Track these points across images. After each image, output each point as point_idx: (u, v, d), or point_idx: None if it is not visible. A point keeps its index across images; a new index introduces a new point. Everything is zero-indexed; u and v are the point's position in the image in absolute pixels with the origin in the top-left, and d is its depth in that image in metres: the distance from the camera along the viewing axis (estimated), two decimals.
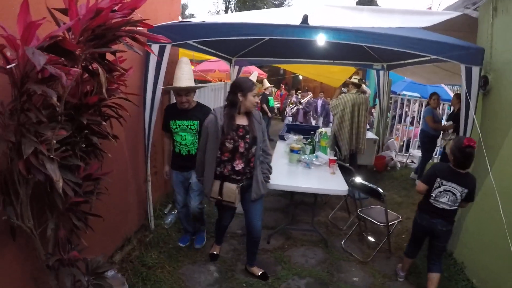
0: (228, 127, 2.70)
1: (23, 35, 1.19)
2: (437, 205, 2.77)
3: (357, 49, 5.01)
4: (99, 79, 1.47)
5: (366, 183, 3.51)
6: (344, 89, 5.44)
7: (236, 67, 6.44)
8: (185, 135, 3.20)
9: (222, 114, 2.74)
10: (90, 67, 1.63)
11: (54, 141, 1.49)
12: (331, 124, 7.54)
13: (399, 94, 11.04)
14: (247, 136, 2.78)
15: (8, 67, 1.32)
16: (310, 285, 3.05)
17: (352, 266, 3.41)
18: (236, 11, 22.01)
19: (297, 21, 3.24)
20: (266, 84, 9.39)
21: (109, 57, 1.79)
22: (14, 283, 1.99)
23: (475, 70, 3.22)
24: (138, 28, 1.71)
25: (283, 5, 25.15)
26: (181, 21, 3.22)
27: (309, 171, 3.88)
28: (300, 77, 17.63)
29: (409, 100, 8.47)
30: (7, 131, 1.35)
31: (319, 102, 10.33)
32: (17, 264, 2.01)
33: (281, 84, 16.27)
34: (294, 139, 4.65)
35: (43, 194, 1.83)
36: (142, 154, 3.47)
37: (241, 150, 2.76)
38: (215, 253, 3.42)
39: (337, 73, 8.55)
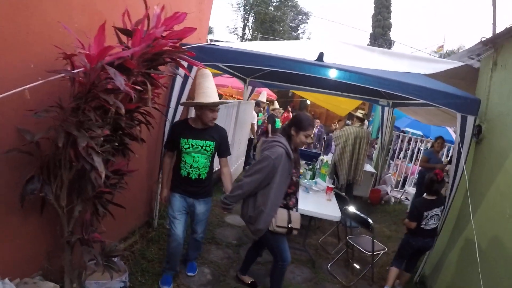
0: (297, 162, 2.91)
1: (99, 53, 1.50)
2: (428, 228, 3.42)
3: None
4: (147, 92, 1.78)
5: (358, 213, 3.78)
6: (348, 122, 5.76)
7: (250, 87, 6.79)
8: (198, 157, 2.92)
9: (289, 148, 2.75)
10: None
11: (102, 139, 1.79)
12: (330, 154, 7.79)
13: (402, 130, 11.38)
14: (298, 169, 3.01)
15: (75, 71, 1.63)
16: None
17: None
18: (253, 29, 22.64)
19: (313, 57, 3.58)
20: (276, 105, 9.70)
21: None
22: (29, 253, 2.24)
23: (470, 119, 3.46)
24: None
25: (299, 28, 25.85)
26: (210, 44, 3.56)
27: (307, 195, 4.18)
28: (308, 102, 18.02)
29: (410, 138, 8.77)
30: (68, 124, 1.65)
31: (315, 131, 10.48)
32: (37, 236, 2.28)
33: (288, 107, 16.67)
34: None
35: (75, 180, 2.12)
36: (158, 158, 3.72)
37: (298, 181, 3.03)
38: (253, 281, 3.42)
39: (344, 103, 8.86)
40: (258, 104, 8.47)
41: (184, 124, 2.97)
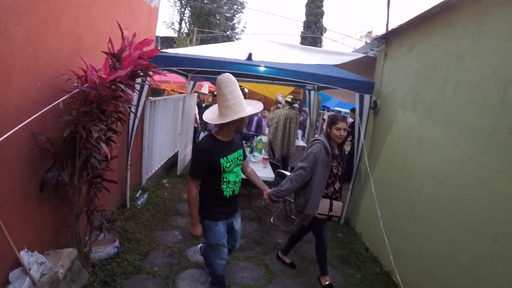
0: (337, 156, 3.33)
1: (108, 74, 2.35)
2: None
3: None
4: (129, 97, 2.64)
5: (286, 172, 4.87)
6: (280, 105, 6.83)
7: (192, 82, 7.59)
8: (237, 170, 2.77)
9: (327, 144, 3.23)
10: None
11: (105, 131, 2.63)
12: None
13: (331, 110, 12.97)
14: (341, 163, 3.38)
15: (85, 86, 2.45)
16: (248, 243, 4.33)
17: (278, 233, 4.75)
18: (190, 23, 23.02)
19: (244, 56, 4.56)
20: None
21: None
22: (46, 230, 2.86)
23: (367, 97, 4.71)
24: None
25: (234, 18, 26.55)
26: (163, 52, 4.34)
27: None
28: (246, 90, 19.03)
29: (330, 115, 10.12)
30: (85, 122, 2.46)
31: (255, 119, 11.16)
32: (51, 216, 2.91)
33: None
34: None
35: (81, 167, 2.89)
36: (125, 148, 4.44)
37: (339, 174, 3.38)
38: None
39: (278, 89, 10.02)
40: (198, 96, 9.17)
41: (215, 143, 2.61)
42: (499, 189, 2.37)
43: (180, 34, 21.54)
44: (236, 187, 2.76)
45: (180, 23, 23.45)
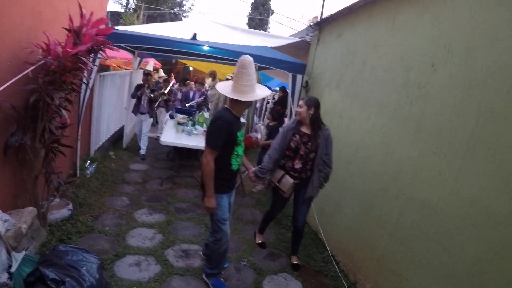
0: (303, 135, 3.36)
1: (72, 49, 2.69)
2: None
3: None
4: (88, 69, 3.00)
5: None
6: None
7: (138, 58, 7.81)
8: (243, 144, 2.93)
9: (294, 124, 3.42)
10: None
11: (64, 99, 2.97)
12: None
13: (272, 89, 13.76)
14: (309, 143, 3.32)
15: (48, 58, 2.75)
16: (190, 206, 4.85)
17: None
18: (137, 2, 22.43)
19: (189, 36, 4.95)
20: (161, 73, 10.74)
21: None
22: (8, 191, 3.08)
23: (299, 77, 5.33)
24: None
25: None
26: (115, 29, 4.59)
27: (190, 137, 5.77)
28: (191, 68, 19.15)
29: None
30: (49, 90, 2.78)
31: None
32: (12, 179, 3.14)
33: (171, 73, 17.56)
34: (180, 117, 6.63)
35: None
36: (76, 119, 4.62)
37: (301, 152, 3.35)
38: (263, 241, 4.02)
39: (223, 68, 10.48)
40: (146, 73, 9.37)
41: (233, 116, 2.74)
42: (400, 153, 2.94)
43: (127, 10, 20.88)
44: (240, 161, 2.89)
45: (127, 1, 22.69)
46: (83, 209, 4.17)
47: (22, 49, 2.80)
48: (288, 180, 3.33)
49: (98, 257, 2.82)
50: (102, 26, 3.18)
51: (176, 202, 4.90)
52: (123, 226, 4.00)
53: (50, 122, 3.07)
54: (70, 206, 3.94)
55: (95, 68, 4.52)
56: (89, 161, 5.36)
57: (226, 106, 2.81)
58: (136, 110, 6.80)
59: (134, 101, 6.89)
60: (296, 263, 3.65)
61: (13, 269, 2.50)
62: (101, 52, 3.26)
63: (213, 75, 7.69)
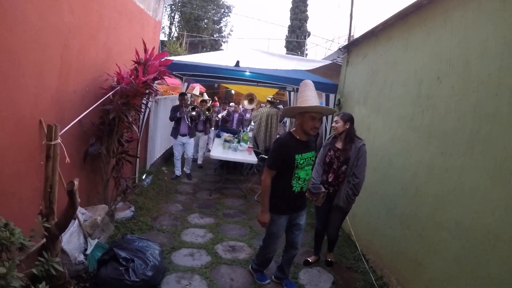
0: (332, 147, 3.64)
1: (142, 76, 3.41)
2: None
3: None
4: (156, 93, 3.71)
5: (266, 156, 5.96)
6: (262, 104, 7.91)
7: (186, 83, 8.62)
8: (308, 169, 2.98)
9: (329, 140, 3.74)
10: None
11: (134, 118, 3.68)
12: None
13: None
14: (340, 158, 3.53)
15: (117, 87, 3.48)
16: (236, 212, 5.41)
17: (260, 207, 5.80)
18: (179, 27, 23.96)
19: (233, 63, 5.64)
20: (205, 96, 11.53)
21: None
22: (84, 192, 3.81)
23: (332, 96, 5.82)
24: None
25: (221, 21, 27.44)
26: (173, 60, 5.38)
27: (236, 152, 6.41)
28: (233, 92, 20.03)
29: None
30: (125, 110, 3.50)
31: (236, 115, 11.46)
32: (87, 182, 3.91)
33: (215, 97, 18.48)
34: (226, 135, 7.27)
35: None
36: (137, 138, 5.40)
37: (334, 166, 3.58)
38: (311, 261, 3.98)
39: (263, 91, 11.11)
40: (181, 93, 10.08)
41: (293, 139, 2.87)
42: (416, 157, 3.32)
43: (170, 38, 22.44)
44: (305, 184, 2.97)
45: (170, 28, 24.34)
46: (143, 212, 4.83)
47: (97, 77, 3.56)
48: (319, 188, 3.49)
49: (159, 245, 3.45)
50: (163, 59, 3.92)
51: (224, 209, 5.48)
52: (178, 226, 4.62)
53: (121, 136, 3.80)
54: (133, 208, 4.63)
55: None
56: (145, 174, 6.11)
57: (291, 130, 2.97)
58: (176, 133, 6.59)
59: (172, 124, 6.71)
60: (330, 259, 3.99)
61: (88, 251, 3.21)
62: (162, 79, 3.98)
63: (250, 97, 8.35)
